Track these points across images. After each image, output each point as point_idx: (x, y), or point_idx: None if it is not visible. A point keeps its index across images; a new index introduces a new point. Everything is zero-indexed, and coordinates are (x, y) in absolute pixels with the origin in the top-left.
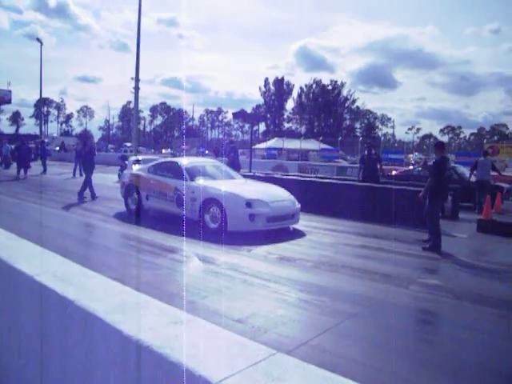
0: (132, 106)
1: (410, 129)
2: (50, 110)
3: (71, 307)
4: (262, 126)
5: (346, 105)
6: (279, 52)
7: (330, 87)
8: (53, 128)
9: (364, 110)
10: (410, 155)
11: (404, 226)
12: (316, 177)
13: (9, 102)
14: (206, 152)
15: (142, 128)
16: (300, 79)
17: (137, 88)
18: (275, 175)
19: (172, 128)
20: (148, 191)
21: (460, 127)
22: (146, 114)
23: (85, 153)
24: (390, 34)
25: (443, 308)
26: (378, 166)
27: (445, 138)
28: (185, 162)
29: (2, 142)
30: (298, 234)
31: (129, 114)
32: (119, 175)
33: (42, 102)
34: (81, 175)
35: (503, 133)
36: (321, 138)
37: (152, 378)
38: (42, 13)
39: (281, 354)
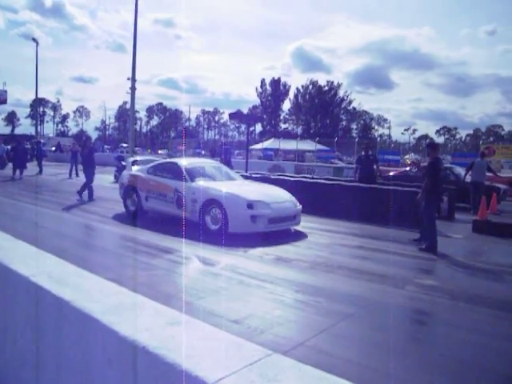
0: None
1: (406, 130)
2: (46, 110)
3: (67, 308)
4: (259, 127)
5: (343, 106)
6: (276, 53)
7: (326, 88)
8: (49, 128)
9: (360, 111)
10: (407, 156)
11: (400, 226)
12: (312, 177)
13: (4, 102)
14: (203, 152)
15: (138, 129)
16: (296, 80)
17: (133, 88)
18: (271, 176)
19: (168, 129)
20: (147, 192)
21: (456, 128)
22: (142, 114)
23: (85, 154)
24: (387, 35)
25: (439, 308)
26: (375, 167)
27: (441, 139)
28: (185, 162)
29: None
30: (298, 235)
31: (125, 114)
32: (115, 176)
33: (38, 103)
34: (77, 176)
35: (499, 134)
36: (317, 139)
37: (148, 379)
38: (38, 13)
39: (276, 355)
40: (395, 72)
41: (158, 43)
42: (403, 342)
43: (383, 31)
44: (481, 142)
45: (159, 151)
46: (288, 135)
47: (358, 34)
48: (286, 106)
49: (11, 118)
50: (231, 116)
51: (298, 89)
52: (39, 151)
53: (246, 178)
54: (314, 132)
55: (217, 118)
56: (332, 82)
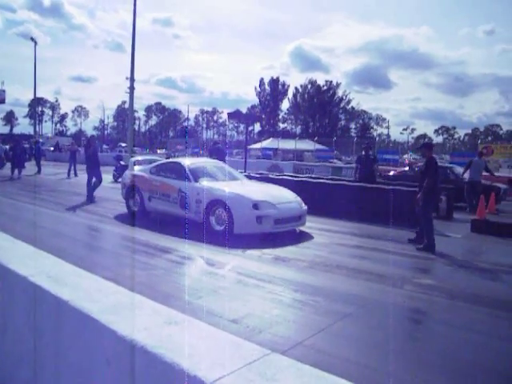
0: (127, 106)
1: (404, 129)
2: (45, 109)
3: (65, 307)
4: (257, 127)
5: (341, 105)
6: (274, 52)
7: (325, 87)
8: (47, 128)
9: (359, 111)
10: (405, 155)
11: (400, 226)
12: (310, 177)
13: (3, 101)
14: (201, 152)
15: (136, 128)
16: (295, 79)
17: (132, 88)
18: (270, 175)
19: (167, 128)
20: (150, 192)
21: (454, 128)
22: (141, 114)
23: (89, 153)
24: (385, 35)
25: (437, 308)
26: (375, 167)
27: (439, 139)
28: (188, 162)
29: None
30: (298, 235)
31: (123, 114)
32: (114, 175)
33: (37, 102)
34: (75, 175)
35: (497, 133)
36: (316, 139)
37: (146, 378)
38: (36, 12)
39: (275, 354)
40: (394, 71)
41: (156, 43)
42: (401, 342)
43: (381, 31)
44: (479, 142)
45: (158, 151)
46: (287, 135)
47: (357, 33)
48: (285, 105)
49: (9, 118)
50: (230, 115)
51: (296, 88)
52: (38, 151)
53: (249, 177)
54: (312, 131)
55: (215, 118)
56: (331, 82)
